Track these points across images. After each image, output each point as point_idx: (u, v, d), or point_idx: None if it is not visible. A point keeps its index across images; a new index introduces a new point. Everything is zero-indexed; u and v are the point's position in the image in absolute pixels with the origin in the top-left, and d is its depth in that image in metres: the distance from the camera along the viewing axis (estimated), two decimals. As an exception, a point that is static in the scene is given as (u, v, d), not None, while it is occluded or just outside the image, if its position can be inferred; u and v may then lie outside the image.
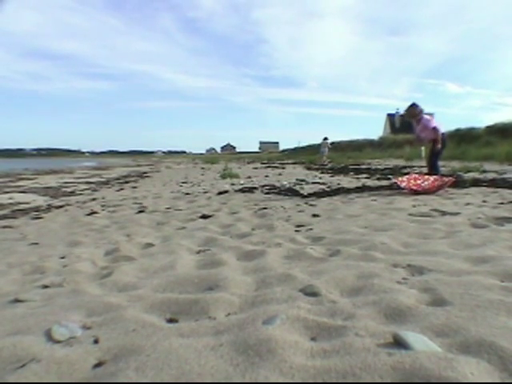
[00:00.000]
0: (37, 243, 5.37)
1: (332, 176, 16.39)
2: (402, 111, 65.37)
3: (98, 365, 1.96)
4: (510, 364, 1.75)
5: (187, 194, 10.69)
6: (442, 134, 9.88)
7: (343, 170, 19.96)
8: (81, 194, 12.41)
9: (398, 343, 1.92)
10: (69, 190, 14.83)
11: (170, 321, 2.53)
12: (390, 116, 74.93)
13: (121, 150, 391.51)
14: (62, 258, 4.36)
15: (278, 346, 1.96)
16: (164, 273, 3.56)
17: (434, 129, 9.75)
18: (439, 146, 9.75)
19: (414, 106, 10.14)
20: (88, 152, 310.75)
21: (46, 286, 3.41)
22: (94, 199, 10.46)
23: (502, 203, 6.81)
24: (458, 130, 40.55)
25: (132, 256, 4.28)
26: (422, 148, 10.53)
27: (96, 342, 2.20)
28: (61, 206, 9.27)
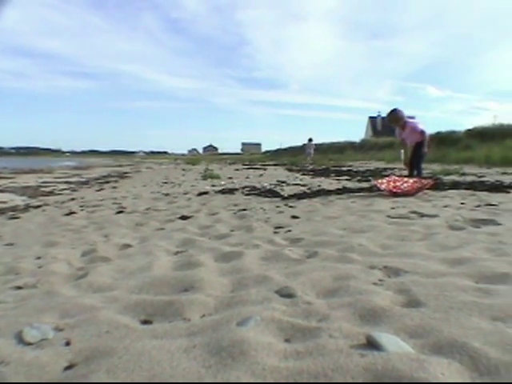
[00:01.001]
0: (12, 244, 5.31)
1: (313, 178, 16.43)
2: (383, 114, 65.87)
3: (69, 367, 1.93)
4: (480, 364, 1.76)
5: (167, 194, 10.65)
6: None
7: (324, 172, 20.00)
8: (60, 194, 12.34)
9: (371, 344, 1.92)
10: (47, 189, 14.72)
11: (145, 322, 2.51)
12: (372, 119, 75.42)
13: (102, 149, 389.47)
14: (38, 258, 4.31)
15: (251, 347, 1.95)
16: (140, 274, 3.53)
17: (422, 131, 9.83)
18: (426, 148, 9.84)
19: (396, 111, 10.18)
20: (68, 151, 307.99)
21: (19, 288, 3.36)
22: (73, 199, 10.39)
23: (479, 206, 6.87)
24: (438, 133, 40.83)
25: (109, 257, 4.24)
26: (402, 151, 10.59)
27: (68, 343, 2.17)
28: (39, 206, 9.20)
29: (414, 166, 10.28)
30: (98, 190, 13.37)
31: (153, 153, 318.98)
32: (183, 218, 6.61)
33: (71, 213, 7.71)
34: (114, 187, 14.55)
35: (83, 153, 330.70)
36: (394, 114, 10.18)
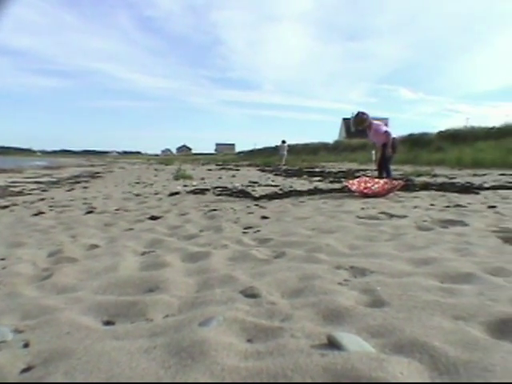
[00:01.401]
0: (-24, 245, 5.22)
1: (285, 178, 16.49)
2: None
3: (26, 369, 1.89)
4: (440, 363, 1.77)
5: (138, 195, 10.57)
6: (393, 138, 10.06)
7: (297, 173, 20.07)
8: (29, 194, 12.14)
9: (332, 344, 1.92)
10: (17, 189, 14.46)
11: (107, 323, 2.48)
12: (346, 120, 75.71)
13: (74, 149, 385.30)
14: (2, 259, 4.22)
15: (212, 347, 1.93)
16: (106, 274, 3.48)
17: (386, 133, 9.94)
18: (390, 149, 9.91)
19: (360, 114, 10.35)
20: (40, 151, 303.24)
21: (-19, 289, 3.31)
22: (42, 199, 10.23)
23: (448, 206, 6.94)
24: (410, 135, 41.16)
25: (75, 257, 4.18)
26: (373, 152, 10.66)
27: (27, 345, 2.13)
28: (6, 206, 9.03)
29: (382, 167, 10.40)
30: (69, 190, 13.21)
31: (126, 153, 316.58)
32: (153, 218, 6.56)
33: (40, 213, 7.59)
34: (85, 187, 14.40)
35: (55, 152, 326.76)
36: (359, 117, 10.36)
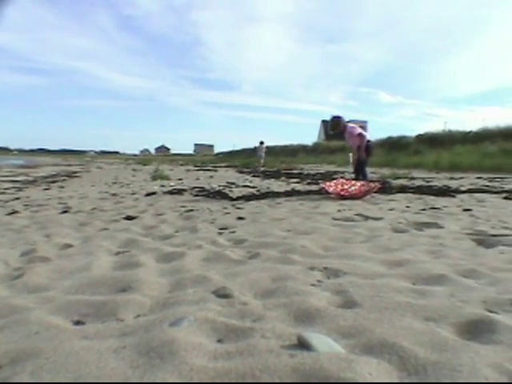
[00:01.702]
0: None
1: (263, 180, 16.50)
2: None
3: (-8, 370, 1.87)
4: (409, 364, 1.78)
5: (115, 194, 10.50)
6: (368, 141, 10.14)
7: (275, 175, 20.11)
8: (3, 193, 12.01)
9: (302, 345, 1.92)
10: (-9, 188, 14.38)
11: (77, 323, 2.45)
12: (325, 122, 75.87)
13: (52, 148, 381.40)
14: (-27, 259, 4.18)
15: (181, 347, 1.92)
16: (79, 274, 3.44)
17: (359, 135, 10.06)
18: (364, 152, 10.01)
19: (336, 118, 10.56)
20: (16, 149, 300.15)
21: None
22: (17, 198, 10.12)
23: (424, 209, 7.00)
24: (389, 138, 41.43)
25: (48, 257, 4.13)
26: (350, 154, 10.73)
27: (-6, 345, 2.11)
28: (-20, 206, 8.98)
29: (358, 169, 10.51)
30: (45, 190, 13.09)
31: (104, 152, 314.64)
32: (128, 218, 6.52)
33: (14, 212, 7.50)
34: (62, 187, 14.28)
35: (32, 151, 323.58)
36: (335, 121, 10.56)
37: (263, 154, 34.96)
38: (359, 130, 10.32)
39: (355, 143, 10.26)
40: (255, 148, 39.07)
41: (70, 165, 47.64)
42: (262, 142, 35.57)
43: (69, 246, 4.66)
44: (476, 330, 2.14)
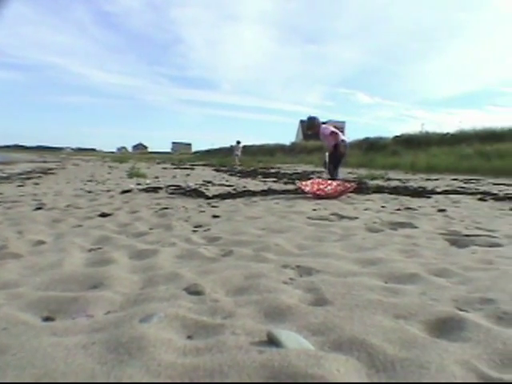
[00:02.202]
0: None
1: (240, 179, 16.51)
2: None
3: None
4: (377, 361, 1.79)
5: (90, 192, 10.41)
6: (342, 140, 10.18)
7: (252, 174, 20.12)
8: (-24, 190, 11.92)
9: (272, 341, 1.91)
10: (-36, 184, 14.21)
11: (46, 319, 2.42)
12: (303, 123, 75.99)
13: (28, 144, 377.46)
14: None
15: (150, 343, 1.91)
16: (50, 270, 3.40)
17: (332, 133, 10.17)
18: (342, 150, 10.05)
19: (311, 118, 10.76)
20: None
21: None
22: (-10, 195, 10.06)
23: (399, 209, 7.04)
24: (366, 139, 41.65)
25: (20, 253, 4.08)
26: (326, 154, 10.77)
27: (-40, 342, 2.08)
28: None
29: (329, 168, 10.69)
30: (19, 186, 12.97)
31: (81, 149, 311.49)
32: (103, 215, 6.48)
33: (-14, 208, 7.45)
34: (37, 183, 14.14)
35: (7, 147, 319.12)
36: (311, 121, 10.80)
37: (239, 154, 35.11)
38: (331, 129, 10.41)
39: (330, 143, 10.34)
40: (232, 147, 39.22)
41: (45, 161, 47.18)
42: (238, 142, 35.72)
43: (41, 242, 4.61)
44: (445, 327, 2.16)
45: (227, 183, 13.58)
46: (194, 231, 5.10)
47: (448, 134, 35.64)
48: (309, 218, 6.03)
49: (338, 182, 9.42)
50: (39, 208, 7.32)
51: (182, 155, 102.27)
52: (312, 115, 10.75)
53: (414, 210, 7.03)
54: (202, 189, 10.80)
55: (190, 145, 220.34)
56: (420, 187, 12.05)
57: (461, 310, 2.37)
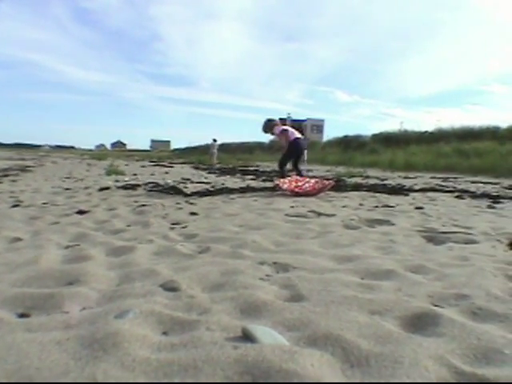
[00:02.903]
0: None
1: (218, 176, 16.50)
2: (293, 116, 67.76)
3: None
4: (352, 355, 1.80)
5: (68, 189, 10.35)
6: (298, 138, 10.52)
7: (230, 171, 20.15)
8: (-49, 187, 11.79)
9: (246, 337, 1.92)
10: None
11: (21, 315, 2.41)
12: (282, 121, 76.02)
13: (4, 142, 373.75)
14: None
15: (125, 339, 1.90)
16: (26, 267, 3.37)
17: (283, 132, 10.71)
18: (293, 147, 10.65)
19: (269, 120, 11.16)
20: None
21: None
22: (-35, 192, 9.97)
23: (377, 207, 7.09)
24: (345, 137, 41.82)
25: (-5, 250, 4.07)
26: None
27: None
28: None
29: (293, 165, 11.13)
30: (-4, 183, 12.88)
31: (59, 147, 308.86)
32: (80, 212, 6.44)
33: (-39, 206, 7.37)
34: (14, 181, 14.00)
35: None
36: (269, 123, 11.16)
37: (216, 151, 35.23)
38: (282, 128, 10.91)
39: (284, 141, 10.81)
40: (208, 145, 39.43)
41: (23, 159, 46.77)
42: (215, 140, 35.92)
43: (18, 239, 4.58)
44: (420, 323, 2.18)
45: (206, 181, 13.57)
46: (172, 228, 5.08)
47: (426, 132, 35.95)
48: (286, 215, 6.04)
49: (317, 180, 9.48)
50: (16, 205, 7.26)
51: (161, 153, 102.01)
52: (270, 117, 11.26)
53: (392, 207, 7.08)
54: (181, 186, 10.76)
55: (168, 142, 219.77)
56: (398, 185, 12.15)
57: (436, 306, 2.40)
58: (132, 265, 3.40)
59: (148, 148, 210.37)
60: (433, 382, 1.61)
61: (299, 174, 10.43)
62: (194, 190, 9.72)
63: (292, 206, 6.95)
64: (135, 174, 16.82)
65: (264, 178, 15.22)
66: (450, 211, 6.70)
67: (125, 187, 10.49)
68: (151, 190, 9.80)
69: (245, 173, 18.83)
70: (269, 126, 11.01)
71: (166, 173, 18.85)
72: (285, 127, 10.91)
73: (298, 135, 10.72)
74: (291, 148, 10.58)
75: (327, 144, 47.51)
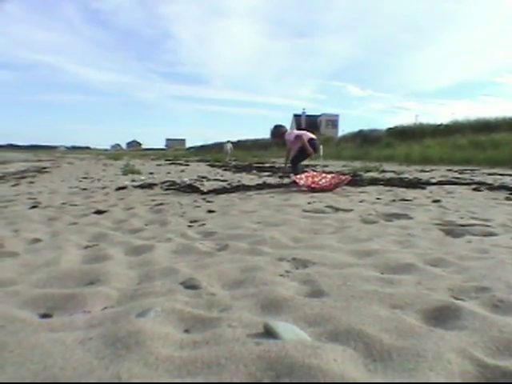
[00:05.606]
0: None
1: (234, 173, 16.50)
2: (308, 112, 67.72)
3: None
4: (374, 350, 1.80)
5: (85, 189, 10.40)
6: (312, 139, 10.25)
7: (246, 168, 20.12)
8: (-29, 190, 11.88)
9: (268, 333, 1.92)
10: (-42, 185, 14.14)
11: (44, 316, 2.42)
12: (297, 117, 75.95)
13: (21, 143, 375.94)
14: None
15: (147, 337, 1.91)
16: (46, 268, 3.40)
17: (297, 137, 10.32)
18: (310, 150, 10.20)
19: (277, 126, 10.98)
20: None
21: None
22: (-15, 195, 10.04)
23: (394, 201, 7.06)
24: (360, 132, 41.68)
25: (16, 251, 4.08)
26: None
27: (-43, 340, 2.08)
28: None
29: (292, 163, 10.90)
30: (14, 185, 12.90)
31: (75, 148, 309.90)
32: (98, 212, 6.47)
33: (-19, 208, 7.43)
34: (31, 182, 14.10)
35: (1, 147, 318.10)
36: (277, 129, 11.02)
37: (228, 149, 35.79)
38: (296, 133, 10.58)
39: (295, 146, 10.49)
40: (222, 144, 40.19)
41: (40, 160, 47.04)
42: (228, 141, 36.69)
43: (37, 240, 4.61)
44: (441, 316, 2.17)
45: (222, 178, 13.58)
46: (190, 226, 5.09)
47: (442, 125, 35.75)
48: (304, 210, 6.04)
49: (333, 175, 9.46)
50: (34, 206, 7.31)
51: (176, 151, 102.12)
52: (278, 123, 11.05)
53: (409, 201, 7.05)
54: (197, 184, 10.78)
55: (184, 140, 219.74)
56: (414, 178, 12.08)
57: (457, 299, 2.39)
58: (151, 263, 3.42)
59: (163, 147, 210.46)
60: (453, 382, 1.61)
61: (296, 171, 10.36)
62: (211, 188, 9.72)
63: (309, 202, 6.93)
64: (151, 173, 16.87)
65: (280, 174, 15.21)
66: (467, 204, 6.66)
67: (141, 186, 10.52)
68: (168, 189, 9.83)
69: (261, 169, 18.81)
70: (278, 132, 10.90)
71: (182, 171, 18.88)
72: (296, 132, 10.70)
73: (312, 136, 10.58)
74: (308, 150, 10.34)
75: (342, 139, 47.46)
